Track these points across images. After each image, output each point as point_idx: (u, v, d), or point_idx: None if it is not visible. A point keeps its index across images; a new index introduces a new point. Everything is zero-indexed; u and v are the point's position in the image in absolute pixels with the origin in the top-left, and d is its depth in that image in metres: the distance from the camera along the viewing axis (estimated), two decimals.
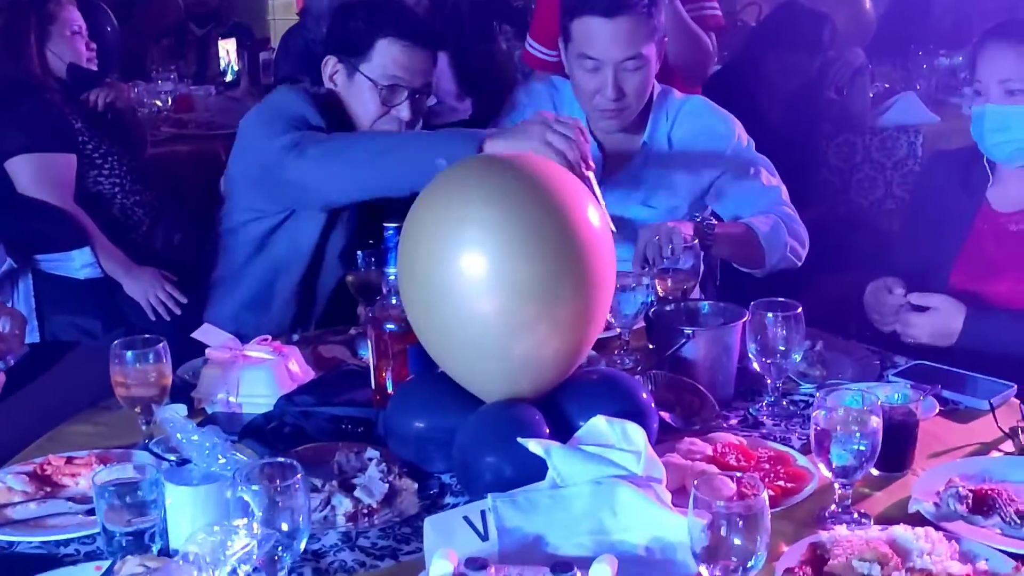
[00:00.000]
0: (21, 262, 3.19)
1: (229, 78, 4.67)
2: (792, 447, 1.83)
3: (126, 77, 4.39)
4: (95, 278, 3.27)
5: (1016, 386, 2.03)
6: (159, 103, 4.42)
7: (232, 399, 1.98)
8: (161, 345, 1.86)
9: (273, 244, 2.56)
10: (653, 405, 1.75)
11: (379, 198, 2.32)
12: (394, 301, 1.87)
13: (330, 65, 2.55)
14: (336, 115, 2.51)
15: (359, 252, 2.33)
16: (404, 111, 2.48)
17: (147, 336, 1.88)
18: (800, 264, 2.67)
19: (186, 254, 3.33)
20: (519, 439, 1.58)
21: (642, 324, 2.20)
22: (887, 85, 4.77)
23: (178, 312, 3.16)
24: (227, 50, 4.71)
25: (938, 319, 2.30)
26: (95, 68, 3.44)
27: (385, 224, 1.91)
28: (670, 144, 2.67)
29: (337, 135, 2.38)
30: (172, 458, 1.69)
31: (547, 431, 1.64)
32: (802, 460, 1.76)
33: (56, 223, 3.22)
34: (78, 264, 3.25)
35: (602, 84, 2.50)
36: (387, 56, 2.47)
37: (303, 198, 2.42)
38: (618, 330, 2.20)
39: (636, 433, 1.61)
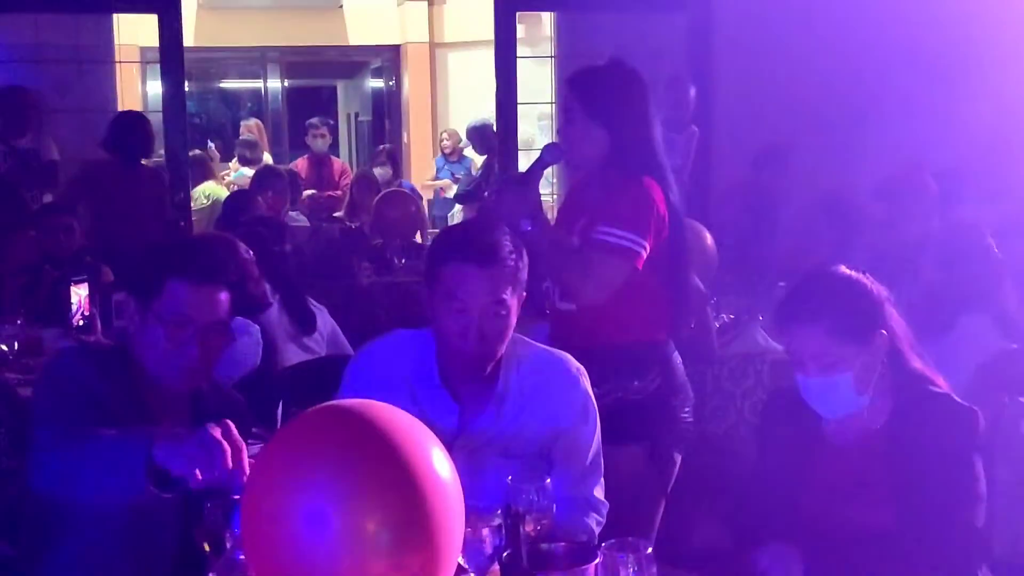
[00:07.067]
0: None
1: (80, 322, 4.55)
2: None
3: None
4: None
5: None
6: (4, 347, 4.27)
7: None
8: None
9: None
10: None
11: None
12: (241, 557, 1.81)
13: (128, 306, 2.55)
14: (123, 370, 2.50)
15: (207, 503, 2.25)
16: (192, 348, 2.48)
17: None
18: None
19: None
20: None
21: (496, 568, 2.16)
22: (732, 316, 4.93)
23: None
24: (79, 295, 4.59)
25: None
26: None
27: None
28: (522, 392, 2.68)
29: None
30: None
31: None
32: None
33: None
34: None
35: (466, 327, 2.55)
36: (174, 294, 2.49)
37: None
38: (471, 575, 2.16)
39: None
